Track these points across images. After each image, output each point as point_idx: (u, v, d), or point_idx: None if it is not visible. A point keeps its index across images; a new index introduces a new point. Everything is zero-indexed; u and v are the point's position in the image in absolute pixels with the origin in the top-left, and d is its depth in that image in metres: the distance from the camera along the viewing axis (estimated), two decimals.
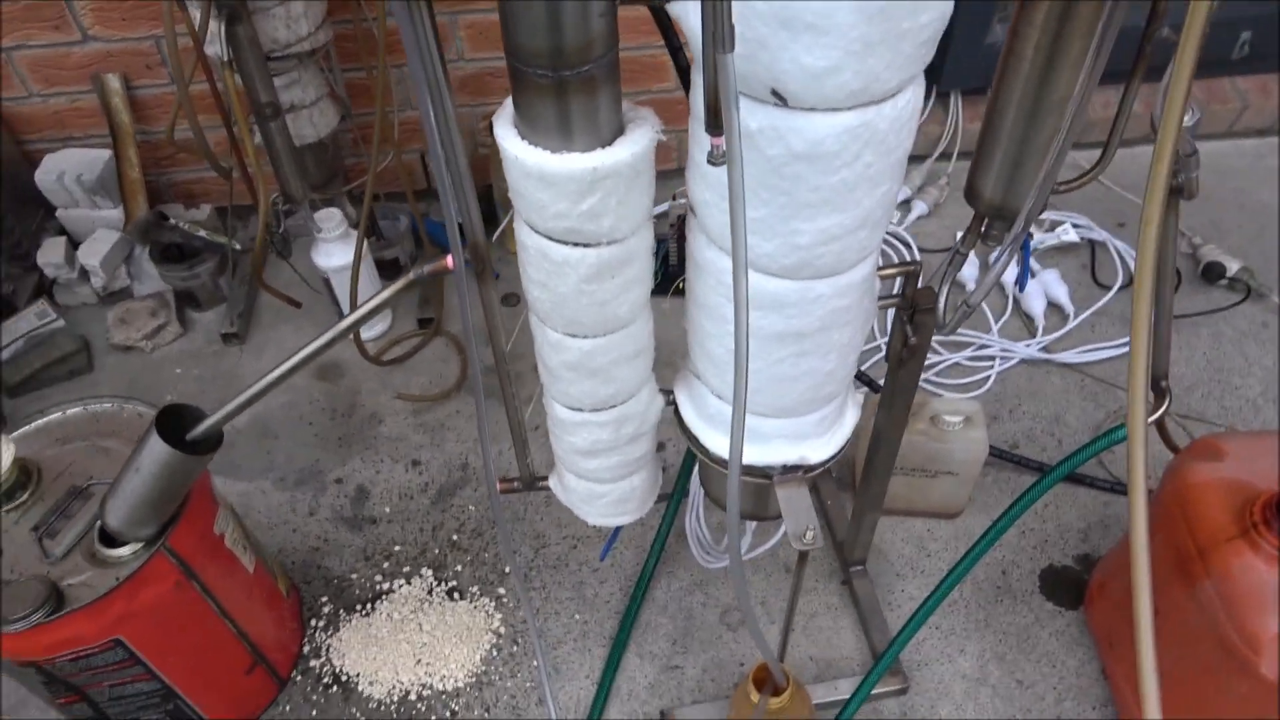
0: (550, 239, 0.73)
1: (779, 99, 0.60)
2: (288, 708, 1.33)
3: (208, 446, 0.97)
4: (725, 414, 0.87)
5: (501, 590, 1.42)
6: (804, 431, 0.87)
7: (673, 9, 0.63)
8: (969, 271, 1.74)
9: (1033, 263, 1.83)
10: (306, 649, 1.39)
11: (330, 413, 1.70)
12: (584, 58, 0.63)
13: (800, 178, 0.63)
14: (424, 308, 1.84)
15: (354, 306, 1.62)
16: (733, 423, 0.69)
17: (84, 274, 1.88)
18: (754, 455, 0.89)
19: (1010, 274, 1.75)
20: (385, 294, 0.86)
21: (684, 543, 1.37)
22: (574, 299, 0.77)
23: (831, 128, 0.60)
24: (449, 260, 0.81)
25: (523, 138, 0.69)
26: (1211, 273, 1.78)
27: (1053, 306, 1.76)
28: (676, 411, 0.95)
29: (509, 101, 0.71)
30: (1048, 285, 1.76)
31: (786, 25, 0.56)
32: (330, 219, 1.64)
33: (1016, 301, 1.77)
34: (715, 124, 0.56)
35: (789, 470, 0.89)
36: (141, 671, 1.11)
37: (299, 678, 1.36)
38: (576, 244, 0.73)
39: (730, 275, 0.72)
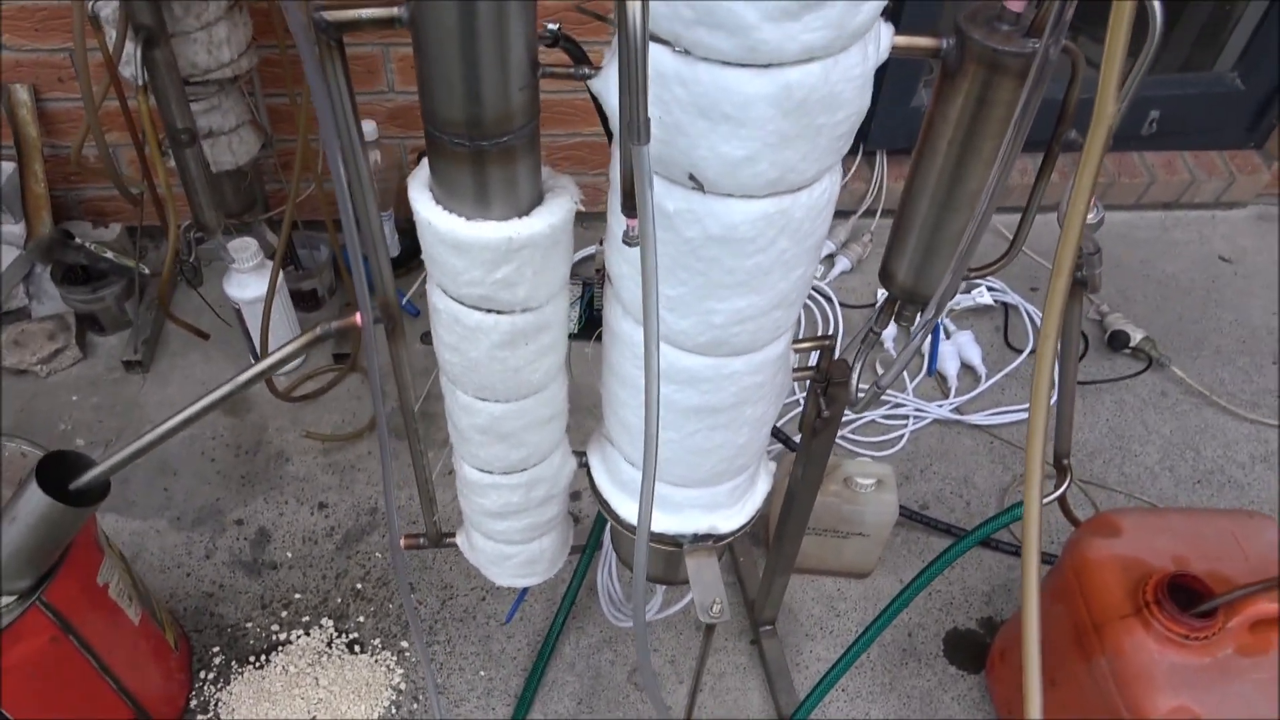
0: (463, 304, 0.72)
1: (696, 183, 0.60)
2: None
3: (92, 498, 0.93)
4: (638, 481, 0.86)
5: (404, 644, 1.38)
6: (716, 501, 0.87)
7: (593, 86, 0.63)
8: (889, 330, 1.78)
9: (948, 323, 1.87)
10: (194, 703, 1.33)
11: (235, 449, 1.64)
12: (503, 129, 0.62)
13: (716, 260, 0.64)
14: (340, 342, 1.79)
15: (265, 341, 1.57)
16: (641, 497, 0.68)
17: None
18: (665, 524, 0.88)
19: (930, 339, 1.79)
20: (291, 346, 0.83)
21: (595, 597, 1.36)
22: (486, 364, 0.76)
23: (747, 214, 0.61)
24: (357, 317, 0.79)
25: (438, 203, 0.68)
26: (1116, 341, 1.85)
27: (966, 368, 1.80)
28: (589, 474, 0.94)
29: (425, 163, 0.69)
30: (962, 346, 1.81)
31: (705, 114, 0.56)
32: (245, 249, 1.59)
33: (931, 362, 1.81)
34: (630, 206, 0.56)
35: (699, 539, 0.89)
36: None
37: None
38: (490, 310, 0.72)
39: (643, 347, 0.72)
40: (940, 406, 1.72)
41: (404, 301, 1.85)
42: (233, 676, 1.35)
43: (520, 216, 0.68)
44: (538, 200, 0.69)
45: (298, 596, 1.44)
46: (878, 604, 1.44)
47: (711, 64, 0.54)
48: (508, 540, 0.98)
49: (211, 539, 1.52)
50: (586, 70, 0.66)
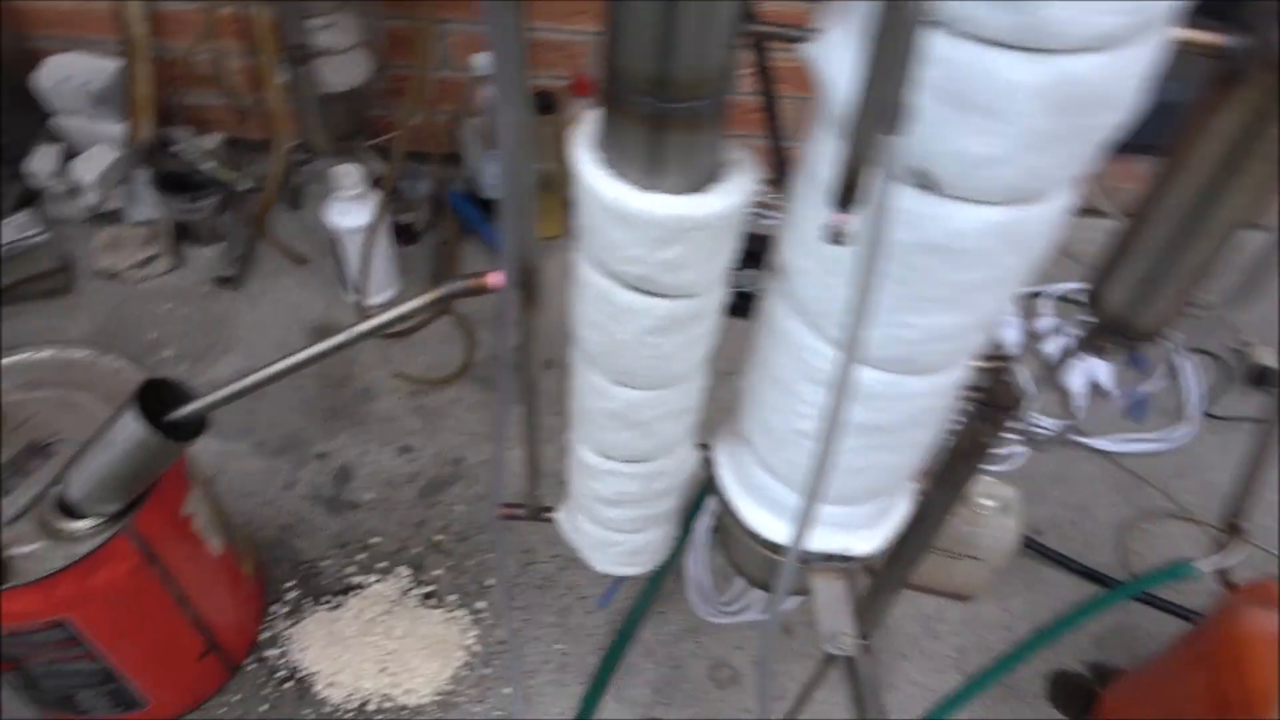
0: (618, 282, 0.65)
1: (923, 182, 0.52)
2: (237, 698, 1.26)
3: (189, 433, 0.90)
4: (771, 490, 0.79)
5: (481, 604, 1.35)
6: (854, 520, 0.80)
7: (811, 51, 0.55)
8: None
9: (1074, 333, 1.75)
10: (265, 635, 1.32)
11: (322, 379, 1.62)
12: (695, 91, 0.55)
13: (927, 270, 0.55)
14: (434, 282, 1.74)
15: (365, 273, 1.53)
16: (796, 527, 0.62)
17: (75, 189, 1.78)
18: (789, 533, 0.81)
19: (1053, 343, 1.68)
20: (415, 302, 0.78)
21: (682, 583, 1.30)
22: (632, 348, 0.69)
23: (977, 223, 0.52)
24: (491, 278, 0.73)
25: (604, 166, 0.60)
26: (1260, 377, 1.71)
27: (1093, 386, 1.68)
28: (713, 470, 0.87)
29: (591, 119, 0.62)
30: (1090, 362, 1.68)
31: (953, 102, 0.48)
32: (349, 176, 1.55)
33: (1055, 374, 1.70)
34: (845, 200, 0.48)
35: (830, 559, 0.82)
36: (84, 653, 1.03)
37: (252, 666, 1.29)
38: (647, 292, 0.65)
39: (816, 354, 0.65)
40: (1062, 426, 1.60)
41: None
42: (305, 614, 1.34)
43: (694, 192, 0.60)
44: (713, 175, 0.62)
45: (375, 540, 1.42)
46: (979, 631, 1.36)
47: (976, 43, 0.46)
48: (616, 528, 0.93)
49: (293, 470, 1.50)
50: (800, 32, 0.57)
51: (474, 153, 1.76)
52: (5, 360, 1.09)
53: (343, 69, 1.54)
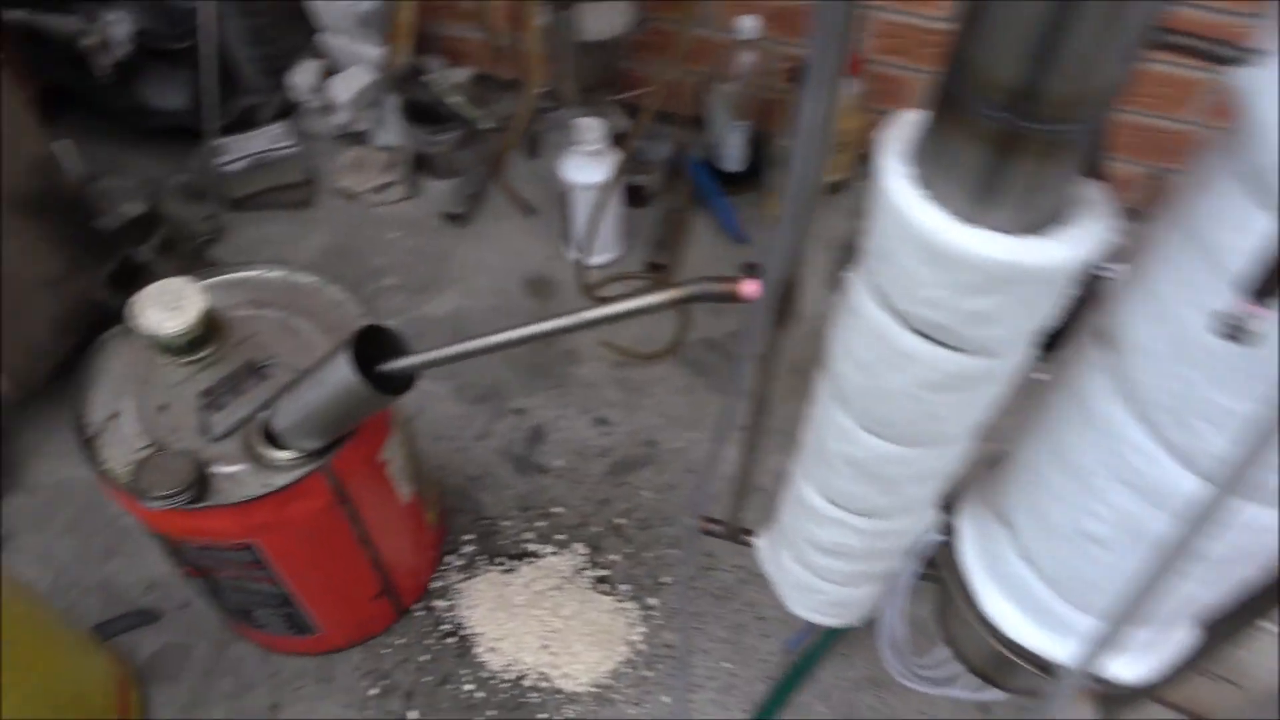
0: (902, 323, 0.54)
1: None
2: (401, 641, 1.26)
3: (397, 386, 0.86)
4: (1030, 586, 0.67)
5: (653, 601, 1.29)
6: (1125, 642, 0.66)
7: (1242, 79, 0.41)
8: None
9: None
10: (436, 584, 1.32)
11: (545, 350, 1.59)
12: (1067, 112, 0.43)
13: None
14: (658, 250, 1.68)
15: (592, 232, 1.48)
16: (1080, 649, 0.49)
17: (329, 107, 1.82)
18: (1040, 639, 0.69)
19: None
20: (648, 300, 0.69)
21: (874, 629, 1.18)
22: (898, 399, 0.58)
23: None
24: (745, 287, 0.64)
25: (918, 185, 0.49)
26: None
27: None
28: (951, 540, 0.75)
29: (907, 120, 0.51)
30: None
31: None
32: (591, 130, 1.49)
33: None
34: (1266, 291, 0.35)
35: (1082, 676, 0.68)
36: (267, 576, 1.05)
37: (420, 613, 1.29)
38: (937, 341, 0.53)
39: (1140, 454, 0.52)
40: None
41: (732, 223, 1.69)
42: (478, 572, 1.32)
43: (1029, 233, 0.48)
44: (1056, 215, 0.49)
45: (557, 511, 1.38)
46: None
47: None
48: (825, 577, 0.82)
49: (489, 421, 1.48)
50: (1232, 51, 0.43)
51: (720, 121, 1.66)
52: (239, 274, 1.10)
53: (603, 17, 1.47)
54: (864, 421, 0.63)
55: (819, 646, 1.21)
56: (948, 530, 0.77)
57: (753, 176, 1.74)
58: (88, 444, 0.95)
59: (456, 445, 1.46)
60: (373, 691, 1.22)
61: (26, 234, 1.31)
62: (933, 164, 0.49)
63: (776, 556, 0.88)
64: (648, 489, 1.40)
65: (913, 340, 0.54)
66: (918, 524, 0.75)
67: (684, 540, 1.32)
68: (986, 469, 0.76)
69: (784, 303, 0.64)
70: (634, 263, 1.68)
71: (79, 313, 1.40)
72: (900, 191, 0.50)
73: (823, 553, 0.79)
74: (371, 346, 0.85)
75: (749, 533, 0.95)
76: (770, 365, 0.71)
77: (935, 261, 0.49)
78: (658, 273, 1.66)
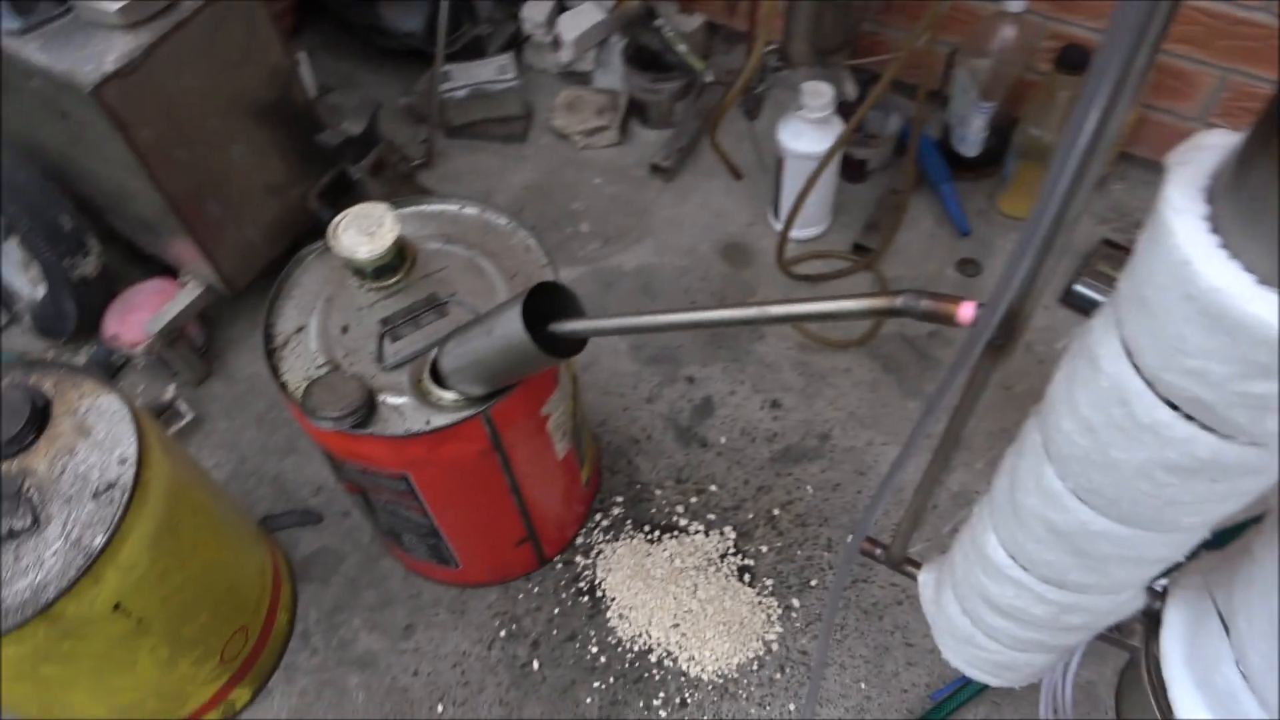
0: (1153, 390, 0.44)
1: None
2: (536, 590, 1.26)
3: (565, 349, 0.83)
4: (1239, 701, 0.56)
5: (795, 602, 1.22)
6: None
7: None
8: None
9: None
10: (579, 540, 1.30)
11: (719, 297, 1.53)
12: None
13: None
14: (867, 233, 1.57)
15: (798, 204, 1.40)
16: None
17: (555, 43, 1.81)
18: None
19: None
20: (851, 304, 0.61)
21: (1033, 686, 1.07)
22: (1127, 474, 0.48)
23: None
24: (963, 310, 0.55)
25: (1214, 231, 0.39)
26: None
27: None
28: (1150, 617, 0.64)
29: (1209, 143, 0.41)
30: None
31: None
32: (818, 96, 1.39)
33: None
34: None
35: None
36: (417, 507, 1.05)
37: (559, 566, 1.28)
38: (1194, 420, 0.43)
39: None
40: None
41: (957, 214, 1.56)
42: (622, 537, 1.29)
43: None
44: None
45: (713, 490, 1.33)
46: None
47: None
48: (993, 636, 0.73)
49: (659, 384, 1.44)
50: None
51: (963, 99, 1.52)
52: (436, 206, 1.09)
53: None
54: (1078, 488, 0.53)
55: (966, 696, 1.11)
56: (1153, 608, 0.66)
57: (989, 164, 1.59)
58: (271, 354, 0.98)
59: (623, 404, 1.43)
60: (502, 633, 1.22)
61: (258, 139, 1.36)
62: (1240, 207, 0.38)
63: (940, 598, 0.79)
64: (811, 484, 1.32)
65: (1163, 413, 0.44)
66: (1117, 606, 0.65)
67: (841, 553, 1.24)
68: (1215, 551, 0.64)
69: (1006, 334, 0.55)
70: (839, 242, 1.58)
71: (290, 221, 1.45)
72: (1188, 237, 0.39)
73: (995, 611, 0.69)
74: (547, 303, 0.82)
75: (914, 564, 0.86)
76: (975, 391, 0.62)
77: (1217, 329, 0.39)
78: (863, 257, 1.55)
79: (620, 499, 1.33)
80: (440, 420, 0.92)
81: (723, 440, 1.38)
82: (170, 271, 1.47)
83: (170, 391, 1.45)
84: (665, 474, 1.35)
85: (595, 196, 1.70)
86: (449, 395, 0.93)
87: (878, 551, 0.87)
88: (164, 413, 1.43)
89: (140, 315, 1.41)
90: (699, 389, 1.44)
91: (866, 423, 1.38)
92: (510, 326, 0.81)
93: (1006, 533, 0.63)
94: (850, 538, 0.81)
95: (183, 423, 1.43)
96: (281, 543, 1.31)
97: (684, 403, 1.42)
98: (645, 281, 1.56)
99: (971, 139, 1.56)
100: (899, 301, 0.59)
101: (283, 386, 0.95)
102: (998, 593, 0.68)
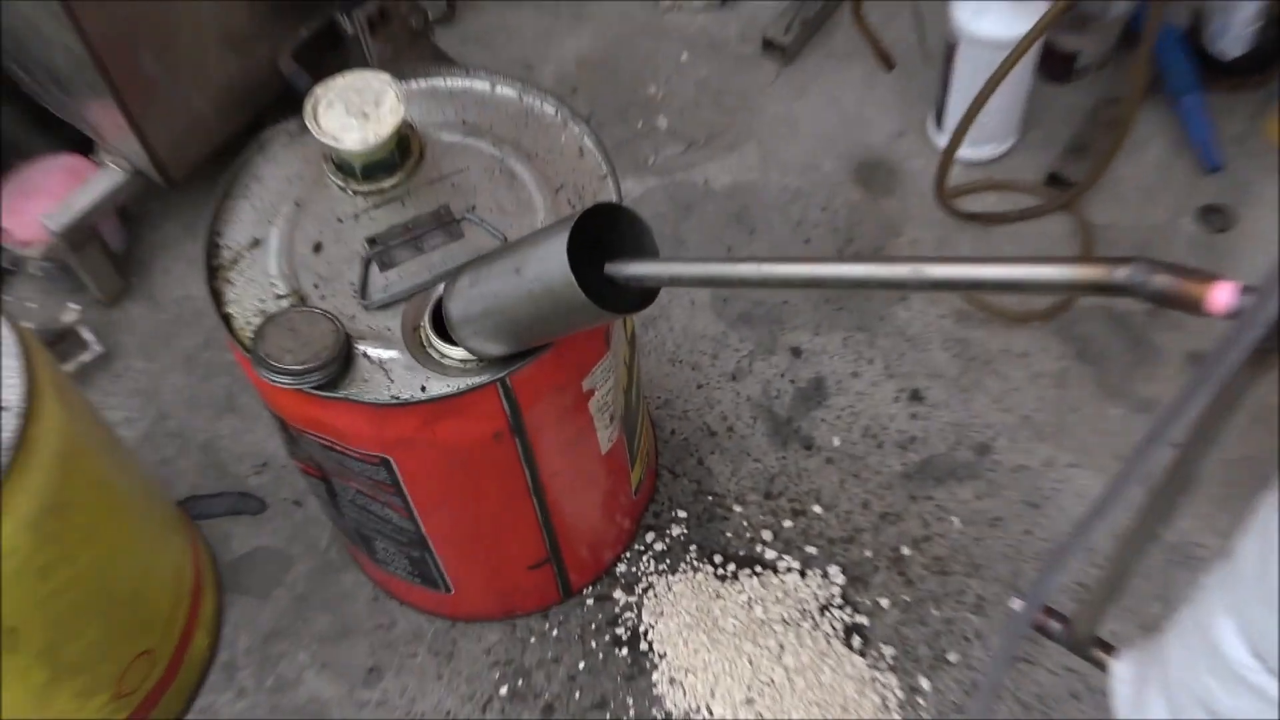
0: None
1: None
2: (555, 632, 1.27)
3: (626, 301, 0.82)
4: None
5: (925, 683, 1.22)
6: None
7: None
8: None
9: None
10: (621, 568, 1.31)
11: (843, 238, 1.52)
12: None
13: None
14: (1069, 158, 1.54)
15: (974, 110, 1.38)
16: None
17: None
18: None
19: None
20: (1043, 271, 0.60)
21: None
22: None
23: None
24: (1216, 295, 0.53)
25: None
26: None
27: None
28: None
29: None
30: None
31: None
32: None
33: None
34: None
35: None
36: (399, 504, 1.07)
37: (590, 602, 1.29)
38: None
39: None
40: None
41: (1204, 139, 1.52)
42: (682, 567, 1.30)
43: None
44: None
45: (817, 511, 1.33)
46: None
47: None
48: None
49: (750, 355, 1.45)
50: None
51: None
52: (458, 81, 1.10)
53: None
54: None
55: None
56: None
57: (1257, 71, 1.56)
58: (214, 274, 0.99)
59: (696, 379, 1.43)
60: (503, 689, 1.24)
61: None
62: None
63: (1142, 700, 0.80)
64: (960, 514, 1.32)
65: None
66: None
67: (1002, 622, 1.23)
68: None
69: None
70: (1028, 168, 1.57)
71: (252, 87, 1.46)
72: None
73: None
74: (604, 232, 0.81)
75: (1104, 647, 0.86)
76: (1225, 411, 0.60)
77: None
78: (1060, 192, 1.52)
79: (683, 514, 1.34)
80: (441, 387, 0.92)
81: (836, 442, 1.38)
82: (84, 146, 1.50)
83: (71, 313, 1.49)
84: (749, 484, 1.36)
85: (679, 80, 1.70)
86: (455, 353, 0.93)
87: (1054, 625, 0.87)
88: (60, 342, 1.47)
89: (38, 204, 1.44)
90: (807, 366, 1.43)
91: (1046, 432, 1.36)
92: (550, 264, 0.80)
93: (1252, 619, 0.62)
94: (1015, 602, 0.81)
95: (85, 357, 1.47)
96: (207, 537, 1.34)
97: (784, 384, 1.42)
98: (741, 206, 1.56)
99: (1235, 33, 1.53)
100: (1121, 274, 0.57)
101: (226, 320, 0.96)
102: (1229, 704, 0.67)
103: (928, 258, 0.67)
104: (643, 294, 0.83)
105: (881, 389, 1.41)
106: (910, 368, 1.42)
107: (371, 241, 0.98)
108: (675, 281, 0.78)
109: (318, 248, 0.99)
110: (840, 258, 0.72)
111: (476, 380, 0.92)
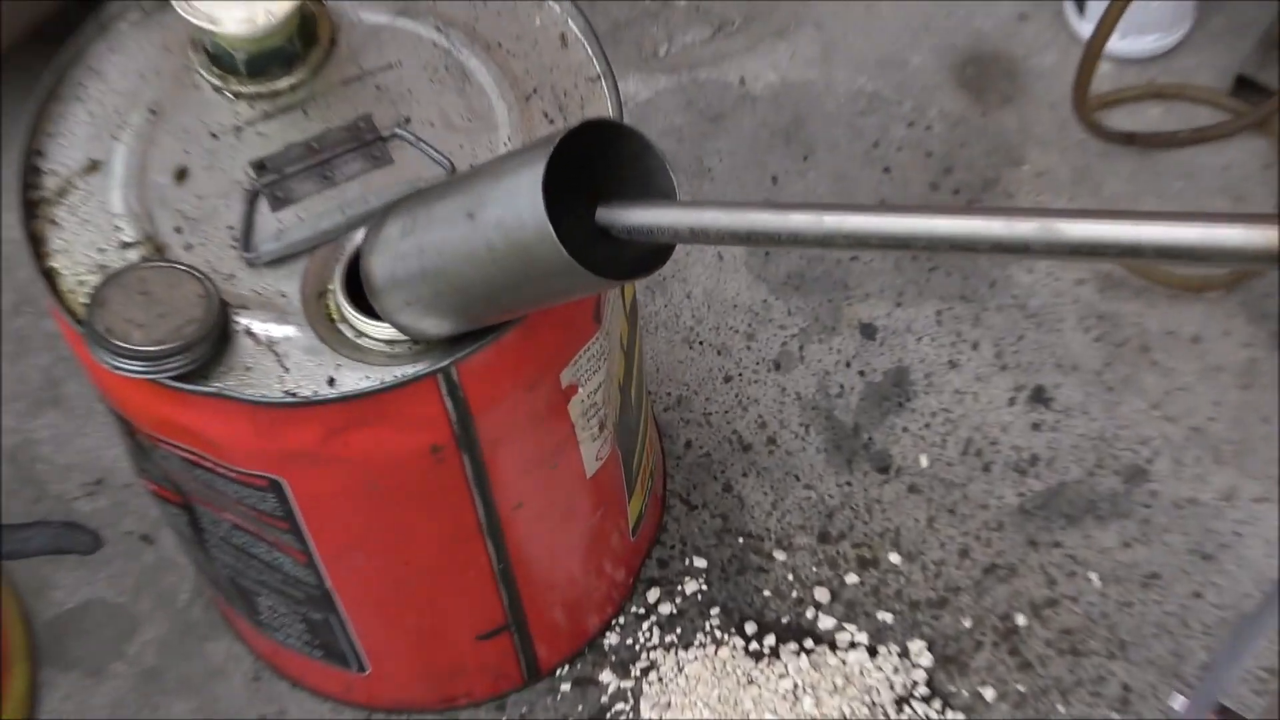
0: None
1: None
2: None
3: (625, 265, 0.83)
4: None
5: None
6: None
7: None
8: None
9: None
10: (612, 639, 1.33)
11: (937, 166, 1.53)
12: None
13: None
14: (1264, 56, 1.55)
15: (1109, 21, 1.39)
16: None
17: None
18: None
19: None
20: (1224, 232, 0.61)
21: None
22: None
23: None
24: None
25: None
26: None
27: None
28: None
29: None
30: None
31: None
32: None
33: None
34: None
35: None
36: (294, 546, 1.07)
37: (566, 688, 1.31)
38: None
39: None
40: None
41: None
42: (698, 640, 1.32)
43: None
44: None
45: (894, 561, 1.35)
46: None
47: None
48: None
49: (804, 331, 1.46)
50: None
51: None
52: None
53: None
54: None
55: None
56: None
57: None
58: (32, 210, 0.99)
59: (723, 368, 1.45)
60: None
61: None
62: None
63: None
64: (1101, 569, 1.33)
65: None
66: None
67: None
68: None
69: None
70: (1206, 69, 1.59)
71: None
72: None
73: None
74: (597, 162, 0.82)
75: None
76: None
77: None
78: (1253, 104, 1.53)
79: (701, 563, 1.35)
80: (358, 380, 0.92)
81: (923, 462, 1.39)
82: None
83: None
84: (798, 520, 1.37)
85: None
86: (379, 331, 0.94)
87: None
88: None
89: None
90: (884, 351, 1.45)
91: (1224, 452, 1.38)
92: (518, 206, 0.81)
93: None
94: (1178, 700, 0.83)
95: None
96: (17, 586, 1.34)
97: (850, 376, 1.44)
98: (792, 118, 1.57)
99: None
100: None
101: (49, 277, 0.96)
102: None
103: (1062, 210, 0.67)
104: (651, 252, 0.84)
105: (991, 386, 1.43)
106: (1032, 355, 1.44)
107: (259, 167, 0.99)
108: (698, 236, 0.79)
109: (182, 175, 1.00)
110: (933, 208, 0.72)
111: (408, 371, 0.93)
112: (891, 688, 1.29)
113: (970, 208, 0.68)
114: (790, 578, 1.34)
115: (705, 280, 1.48)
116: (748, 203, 0.77)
